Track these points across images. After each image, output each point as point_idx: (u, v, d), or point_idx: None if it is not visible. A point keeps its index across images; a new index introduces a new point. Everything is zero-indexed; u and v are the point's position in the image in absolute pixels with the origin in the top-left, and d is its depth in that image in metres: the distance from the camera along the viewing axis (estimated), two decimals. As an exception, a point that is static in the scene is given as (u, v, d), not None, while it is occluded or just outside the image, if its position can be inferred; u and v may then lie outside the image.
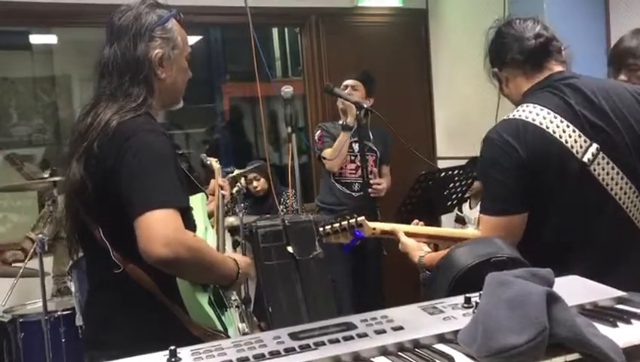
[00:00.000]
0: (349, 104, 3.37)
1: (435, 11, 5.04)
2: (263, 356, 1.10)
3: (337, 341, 1.15)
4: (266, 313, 2.93)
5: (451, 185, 3.24)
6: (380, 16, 4.94)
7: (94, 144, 1.52)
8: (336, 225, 1.79)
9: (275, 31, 6.35)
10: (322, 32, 4.72)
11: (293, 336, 1.18)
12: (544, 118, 1.64)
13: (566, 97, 1.68)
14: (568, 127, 1.63)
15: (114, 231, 1.52)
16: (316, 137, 3.83)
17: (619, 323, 1.18)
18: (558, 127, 1.63)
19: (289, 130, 3.58)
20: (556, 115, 1.64)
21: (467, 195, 3.79)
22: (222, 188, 2.10)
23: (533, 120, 1.64)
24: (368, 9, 4.86)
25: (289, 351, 1.11)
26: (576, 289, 1.35)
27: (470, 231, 1.96)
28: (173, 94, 1.72)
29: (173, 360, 1.12)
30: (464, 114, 4.83)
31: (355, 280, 3.69)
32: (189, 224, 1.62)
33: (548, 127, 1.63)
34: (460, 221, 4.51)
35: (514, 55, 1.78)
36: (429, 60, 5.12)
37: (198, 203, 1.79)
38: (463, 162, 3.95)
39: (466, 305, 1.28)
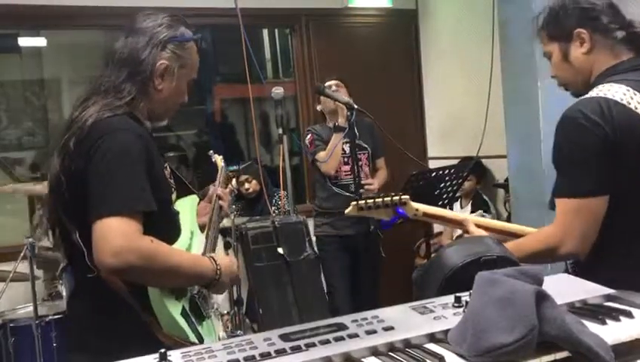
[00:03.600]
0: (341, 105, 3.36)
1: (425, 12, 5.06)
2: (253, 357, 1.09)
3: (328, 342, 1.14)
4: (257, 314, 2.93)
5: (442, 184, 3.26)
6: (370, 16, 4.95)
7: (71, 141, 1.51)
8: (379, 200, 1.69)
9: (265, 32, 6.34)
10: (313, 33, 4.72)
11: (284, 337, 1.17)
12: (626, 96, 1.54)
13: None
14: None
15: (89, 232, 1.47)
16: (307, 141, 3.78)
17: (608, 321, 1.19)
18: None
19: (280, 131, 3.58)
20: (636, 93, 1.54)
21: (458, 195, 3.81)
22: (220, 198, 2.00)
23: (620, 99, 1.54)
24: (358, 10, 4.87)
25: (280, 352, 1.11)
26: (565, 288, 1.35)
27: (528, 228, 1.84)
28: (162, 109, 1.70)
29: (163, 362, 1.11)
30: (454, 114, 4.85)
31: (353, 284, 3.69)
32: (168, 228, 1.59)
33: (630, 104, 1.53)
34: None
35: (609, 24, 1.61)
36: (419, 60, 5.13)
37: (186, 206, 1.76)
38: (454, 162, 3.97)
39: (456, 305, 1.28)
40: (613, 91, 1.55)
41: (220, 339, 1.73)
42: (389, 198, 1.70)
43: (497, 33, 3.52)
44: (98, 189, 1.45)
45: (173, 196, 1.72)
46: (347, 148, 3.70)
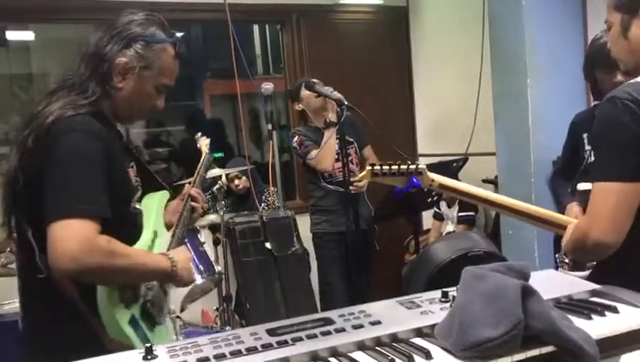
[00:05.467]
0: (331, 101, 3.34)
1: (416, 9, 5.06)
2: (239, 352, 1.09)
3: (315, 336, 1.15)
4: (244, 309, 2.92)
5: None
6: (360, 13, 4.95)
7: (30, 137, 1.49)
8: (395, 167, 1.63)
9: (256, 28, 6.33)
10: (303, 30, 4.71)
11: (271, 332, 1.17)
12: None
13: None
14: None
15: (42, 232, 1.43)
16: (295, 144, 3.64)
17: (593, 316, 1.20)
18: None
19: (269, 127, 3.55)
20: None
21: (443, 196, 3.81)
22: (193, 199, 1.92)
23: None
24: (349, 6, 4.86)
25: (266, 346, 1.11)
26: (551, 283, 1.36)
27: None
28: (126, 110, 1.65)
29: (149, 357, 1.11)
30: (445, 111, 4.86)
31: (350, 279, 3.67)
32: (127, 229, 1.58)
33: None
34: (438, 218, 4.55)
35: None
36: (409, 57, 5.14)
37: (154, 203, 1.73)
38: (443, 159, 3.98)
39: (443, 299, 1.29)
40: None
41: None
42: (405, 166, 1.63)
43: (487, 30, 3.53)
44: (54, 191, 1.43)
45: (138, 194, 1.69)
46: (336, 145, 3.68)
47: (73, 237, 1.37)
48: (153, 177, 1.79)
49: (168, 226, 1.80)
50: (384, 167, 1.63)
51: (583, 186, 1.91)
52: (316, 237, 3.69)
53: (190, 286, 1.81)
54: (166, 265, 1.57)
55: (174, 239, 1.76)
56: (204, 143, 2.25)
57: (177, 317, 1.74)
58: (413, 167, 1.64)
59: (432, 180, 1.67)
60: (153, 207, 1.71)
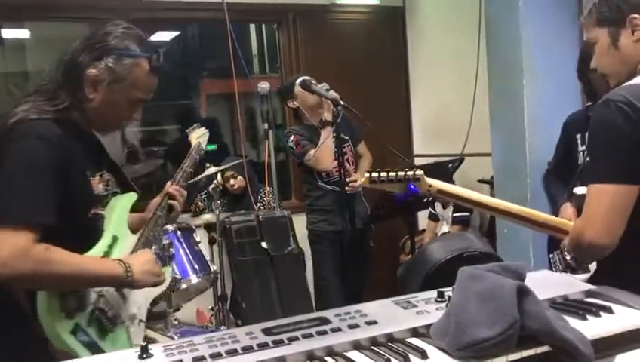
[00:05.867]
0: (327, 101, 3.33)
1: (412, 9, 5.07)
2: (235, 351, 1.09)
3: (311, 335, 1.14)
4: (240, 308, 2.92)
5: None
6: (357, 13, 4.95)
7: None
8: (392, 173, 1.65)
9: (252, 27, 6.32)
10: (300, 29, 4.71)
11: (267, 332, 1.17)
12: None
13: None
14: None
15: None
16: (292, 143, 3.58)
17: (588, 316, 1.20)
18: None
19: (266, 126, 3.54)
20: None
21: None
22: (172, 197, 1.89)
23: None
24: (346, 6, 4.86)
25: (262, 346, 1.11)
26: (547, 283, 1.37)
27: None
28: (99, 120, 1.67)
29: (144, 356, 1.11)
30: (440, 111, 4.86)
31: (346, 277, 3.67)
32: (82, 236, 1.58)
33: None
34: (434, 218, 4.55)
35: None
36: (406, 57, 5.14)
37: (115, 207, 1.71)
38: (439, 159, 3.98)
39: (439, 299, 1.29)
40: None
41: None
42: (402, 173, 1.65)
43: (484, 31, 3.53)
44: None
45: (109, 199, 1.69)
46: (332, 143, 3.68)
47: (5, 245, 1.39)
48: (128, 182, 1.79)
49: (139, 227, 1.78)
50: (382, 174, 1.64)
51: (579, 190, 1.92)
52: (313, 234, 3.69)
53: (165, 285, 1.80)
54: (118, 271, 1.56)
55: (140, 241, 1.74)
56: (194, 136, 2.15)
57: (141, 321, 1.72)
58: (410, 173, 1.64)
59: (430, 186, 1.68)
60: (114, 211, 1.69)
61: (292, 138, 3.58)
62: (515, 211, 1.67)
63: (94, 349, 1.54)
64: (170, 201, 1.88)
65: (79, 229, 1.58)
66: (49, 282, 1.48)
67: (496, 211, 1.71)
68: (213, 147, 2.06)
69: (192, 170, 2.01)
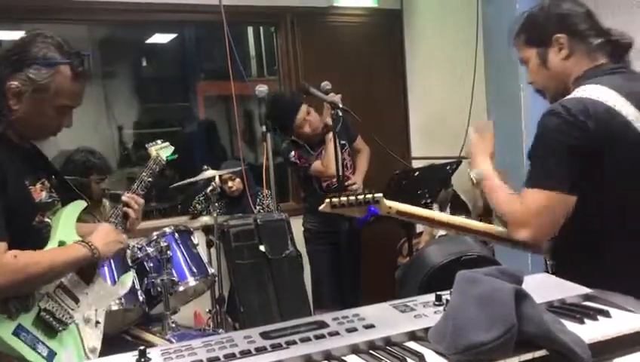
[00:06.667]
0: (326, 104, 3.34)
1: (410, 12, 5.08)
2: (233, 355, 1.09)
3: (309, 339, 1.14)
4: (238, 312, 2.91)
5: (425, 184, 3.26)
6: (355, 16, 4.95)
7: None
8: (352, 198, 1.72)
9: (250, 30, 6.32)
10: (297, 32, 4.71)
11: (265, 335, 1.17)
12: (610, 97, 1.55)
13: (625, 80, 1.61)
14: (629, 105, 1.55)
15: None
16: (294, 159, 3.61)
17: (585, 320, 1.20)
18: (620, 103, 1.55)
19: (264, 129, 3.54)
20: (614, 91, 1.56)
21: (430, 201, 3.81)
22: (127, 205, 1.91)
23: (606, 100, 1.55)
24: (343, 9, 4.87)
25: (260, 350, 1.11)
26: (544, 287, 1.37)
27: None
28: (27, 130, 1.69)
29: (142, 360, 1.11)
30: (438, 114, 4.87)
31: (340, 277, 3.68)
32: (26, 244, 1.60)
33: (615, 106, 1.54)
34: (433, 221, 4.54)
35: (587, 31, 1.65)
36: (403, 60, 5.15)
37: (61, 214, 1.74)
38: (437, 161, 3.98)
39: (436, 303, 1.29)
40: (598, 92, 1.57)
41: (88, 350, 1.71)
42: (362, 197, 1.72)
43: (481, 34, 3.54)
44: None
45: (57, 208, 1.74)
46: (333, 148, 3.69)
47: None
48: (72, 189, 1.83)
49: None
50: (342, 199, 1.71)
51: None
52: (307, 231, 3.71)
53: (124, 290, 1.94)
54: (84, 251, 1.66)
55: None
56: (154, 148, 2.17)
57: (97, 323, 1.75)
58: (369, 196, 1.72)
59: (390, 207, 1.76)
60: (60, 218, 1.73)
61: (293, 153, 3.61)
62: (471, 226, 1.80)
63: (41, 348, 1.58)
64: (125, 209, 1.91)
65: (25, 235, 1.62)
66: (28, 284, 1.56)
67: (452, 228, 1.81)
68: (173, 157, 2.13)
69: (150, 179, 2.03)
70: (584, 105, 1.54)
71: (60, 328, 1.64)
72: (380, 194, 1.74)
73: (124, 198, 1.91)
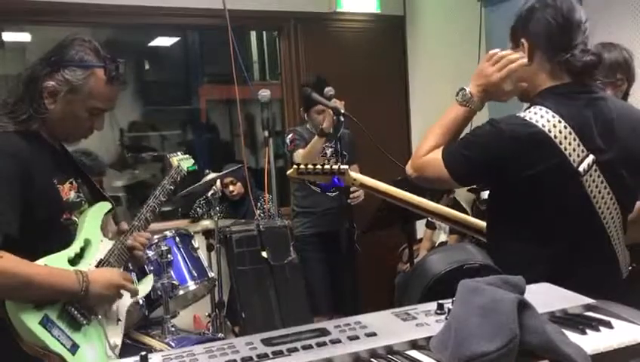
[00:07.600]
0: (328, 110, 3.35)
1: (413, 18, 5.09)
2: (235, 362, 1.09)
3: (311, 347, 1.14)
4: (239, 318, 2.91)
5: (426, 190, 3.26)
6: (358, 21, 4.97)
7: None
8: (319, 167, 1.83)
9: (253, 34, 6.34)
10: (300, 37, 4.72)
11: (266, 342, 1.17)
12: (549, 122, 1.58)
13: (580, 107, 1.62)
14: (570, 134, 1.57)
15: None
16: (288, 140, 3.79)
17: (588, 331, 1.20)
18: (560, 132, 1.57)
19: (266, 133, 3.55)
20: (561, 120, 1.58)
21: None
22: (133, 248, 1.88)
23: (543, 125, 1.58)
24: (346, 15, 4.88)
25: (261, 357, 1.10)
26: (546, 297, 1.37)
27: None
28: (61, 130, 1.74)
29: (143, 365, 1.10)
30: (440, 120, 4.87)
31: (333, 281, 3.69)
32: (48, 242, 1.62)
33: (550, 131, 1.57)
34: (431, 226, 4.56)
35: (551, 43, 1.64)
36: (405, 66, 5.16)
37: (86, 214, 1.77)
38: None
39: (438, 312, 1.29)
40: (539, 116, 1.60)
41: (111, 346, 1.72)
42: (328, 167, 1.85)
43: (484, 41, 3.54)
44: None
45: (84, 207, 1.76)
46: (329, 152, 3.72)
47: None
48: (99, 191, 1.87)
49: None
50: (309, 166, 1.85)
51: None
52: (297, 239, 3.73)
53: (147, 290, 1.96)
54: (71, 285, 1.61)
55: (117, 247, 1.81)
56: (176, 158, 2.21)
57: (119, 320, 1.80)
58: (335, 167, 1.86)
59: (354, 179, 1.90)
60: (86, 218, 1.76)
61: (291, 135, 3.77)
62: (429, 207, 1.97)
63: (65, 340, 1.59)
64: (132, 253, 1.86)
65: (52, 232, 1.65)
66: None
67: (410, 205, 1.98)
68: (193, 168, 2.19)
69: (172, 187, 2.06)
70: (520, 125, 1.61)
71: (84, 322, 1.65)
72: (346, 167, 1.87)
73: (128, 243, 1.85)
